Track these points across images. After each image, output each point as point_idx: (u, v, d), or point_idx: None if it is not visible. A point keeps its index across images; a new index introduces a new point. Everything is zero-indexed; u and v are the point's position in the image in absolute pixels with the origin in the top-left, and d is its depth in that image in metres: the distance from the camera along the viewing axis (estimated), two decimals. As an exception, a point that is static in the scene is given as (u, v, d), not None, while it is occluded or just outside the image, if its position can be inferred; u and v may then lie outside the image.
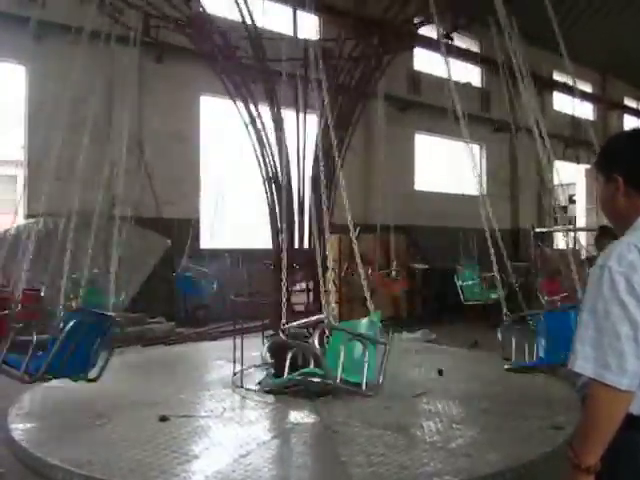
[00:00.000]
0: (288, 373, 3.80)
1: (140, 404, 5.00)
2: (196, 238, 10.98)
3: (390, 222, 10.67)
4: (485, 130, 15.55)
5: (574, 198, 21.25)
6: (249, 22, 5.70)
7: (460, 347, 8.05)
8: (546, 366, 4.67)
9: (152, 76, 10.81)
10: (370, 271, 10.51)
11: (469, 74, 16.10)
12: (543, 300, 7.40)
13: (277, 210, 5.90)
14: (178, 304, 10.35)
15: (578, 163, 17.71)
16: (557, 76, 17.74)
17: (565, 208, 21.24)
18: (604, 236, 5.44)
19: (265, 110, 5.96)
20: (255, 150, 5.98)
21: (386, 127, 13.48)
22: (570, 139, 16.76)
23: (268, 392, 5.15)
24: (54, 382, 5.69)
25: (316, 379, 3.70)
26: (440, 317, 10.98)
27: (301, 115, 6.10)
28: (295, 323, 3.95)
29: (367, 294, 4.23)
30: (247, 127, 5.95)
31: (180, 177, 10.91)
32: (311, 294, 5.95)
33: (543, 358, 4.68)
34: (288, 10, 11.54)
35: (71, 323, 4.01)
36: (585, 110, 19.63)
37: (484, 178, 16.98)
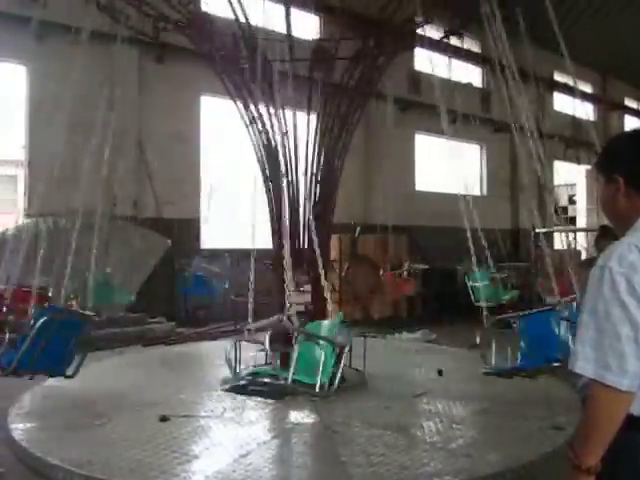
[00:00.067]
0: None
1: (140, 404, 5.00)
2: (196, 238, 11.00)
3: (390, 222, 10.68)
4: (485, 130, 15.55)
5: (574, 198, 21.24)
6: (243, 21, 5.70)
7: (460, 347, 8.05)
8: (524, 370, 4.62)
9: (152, 76, 10.81)
10: (381, 271, 10.53)
11: (470, 74, 16.11)
12: (544, 300, 7.41)
13: (276, 210, 5.90)
14: (178, 304, 10.35)
15: (579, 164, 17.71)
16: (558, 76, 17.74)
17: (565, 208, 21.26)
18: (604, 237, 5.43)
19: (266, 110, 5.96)
20: (255, 150, 5.98)
21: (386, 127, 13.51)
22: (571, 139, 16.77)
23: (228, 391, 5.11)
24: (54, 382, 5.72)
25: (266, 379, 3.72)
26: (440, 317, 10.97)
27: (301, 115, 6.11)
28: (255, 324, 3.96)
29: (327, 294, 4.22)
30: (247, 127, 5.95)
31: (180, 177, 10.92)
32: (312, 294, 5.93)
33: (521, 362, 4.65)
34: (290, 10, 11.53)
35: (40, 321, 4.08)
36: (586, 110, 19.62)
37: (484, 178, 17.01)
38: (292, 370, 3.56)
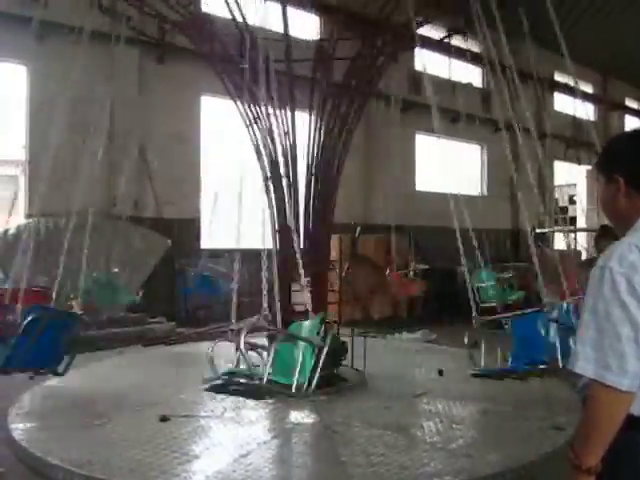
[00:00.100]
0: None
1: (140, 404, 4.99)
2: (196, 238, 11.01)
3: (391, 222, 10.68)
4: (486, 130, 15.55)
5: (575, 199, 21.24)
6: (243, 21, 5.70)
7: (460, 347, 8.04)
8: (512, 372, 4.58)
9: (153, 76, 10.82)
10: (388, 271, 10.51)
11: (470, 74, 16.10)
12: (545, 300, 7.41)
13: (277, 210, 5.90)
14: (178, 304, 10.36)
15: (579, 164, 17.72)
16: (558, 76, 17.75)
17: (566, 209, 21.26)
18: (604, 237, 5.42)
19: (266, 110, 5.96)
20: (255, 150, 5.98)
21: (386, 127, 13.52)
22: (571, 140, 16.77)
23: (207, 390, 5.10)
24: (54, 382, 5.73)
25: (242, 379, 3.73)
26: (440, 317, 10.98)
27: (301, 115, 6.11)
28: (236, 325, 3.97)
29: (306, 296, 4.22)
30: (248, 127, 5.95)
31: (180, 177, 10.93)
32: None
33: (511, 364, 4.62)
34: (291, 11, 11.54)
35: (27, 320, 4.13)
36: (586, 111, 19.62)
37: (484, 178, 17.01)
38: (268, 370, 3.58)
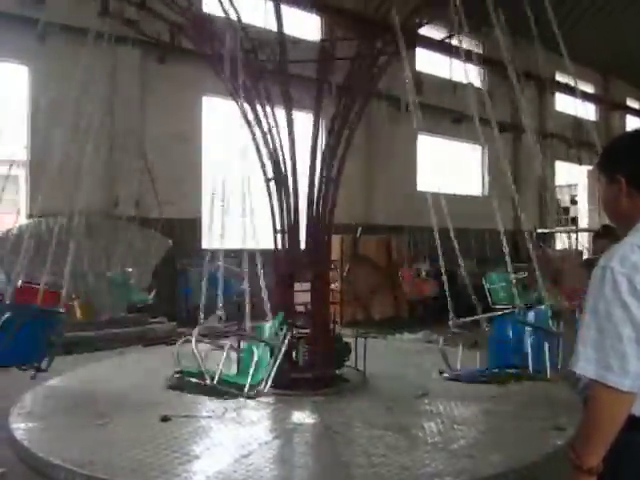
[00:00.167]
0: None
1: (141, 404, 5.00)
2: (197, 238, 11.00)
3: (392, 222, 10.67)
4: (487, 131, 15.54)
5: (576, 199, 21.23)
6: (246, 22, 5.71)
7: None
8: (484, 376, 4.51)
9: (154, 76, 10.83)
10: (400, 272, 10.42)
11: (471, 74, 16.09)
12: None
13: (278, 210, 5.90)
14: (179, 304, 10.36)
15: (580, 164, 17.69)
16: (559, 77, 17.73)
17: (567, 209, 21.25)
18: (602, 236, 5.38)
19: (267, 111, 5.96)
20: (257, 150, 5.98)
21: (388, 128, 13.52)
22: (572, 140, 16.75)
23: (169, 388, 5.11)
24: (55, 381, 5.73)
25: (193, 379, 3.75)
26: (441, 318, 10.95)
27: (302, 115, 6.11)
28: (202, 326, 3.99)
29: (265, 296, 4.23)
30: (249, 128, 5.95)
31: (182, 177, 10.93)
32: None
33: (481, 368, 4.54)
34: (293, 11, 11.53)
35: (2, 318, 4.32)
36: (587, 111, 19.60)
37: (486, 179, 17.00)
38: (219, 370, 3.62)
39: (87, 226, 7.19)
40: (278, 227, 5.92)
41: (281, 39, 5.80)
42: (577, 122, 16.98)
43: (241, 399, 5.21)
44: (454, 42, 6.02)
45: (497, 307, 7.09)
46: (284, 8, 6.12)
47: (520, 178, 16.82)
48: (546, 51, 5.88)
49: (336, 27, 6.45)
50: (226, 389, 3.73)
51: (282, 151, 5.85)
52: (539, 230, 12.24)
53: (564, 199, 21.41)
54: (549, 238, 14.08)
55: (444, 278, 5.09)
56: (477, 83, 17.57)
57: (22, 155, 9.80)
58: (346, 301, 10.64)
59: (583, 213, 20.44)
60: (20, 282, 5.36)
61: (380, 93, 11.52)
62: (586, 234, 16.63)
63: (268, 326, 4.25)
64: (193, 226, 10.88)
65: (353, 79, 6.00)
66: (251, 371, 3.73)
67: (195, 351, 3.61)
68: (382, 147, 13.55)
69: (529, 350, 4.10)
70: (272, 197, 5.93)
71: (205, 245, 11.13)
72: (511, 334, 4.48)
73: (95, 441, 4.12)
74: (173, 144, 10.82)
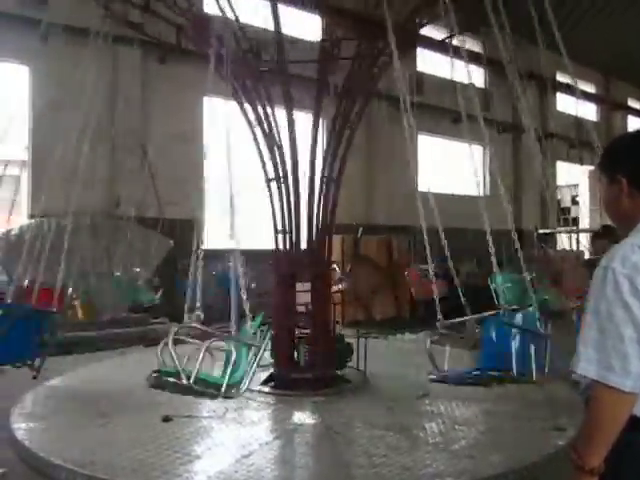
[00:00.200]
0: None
1: (143, 404, 5.00)
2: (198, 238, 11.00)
3: (393, 223, 10.67)
4: (488, 131, 15.54)
5: (577, 199, 21.22)
6: (233, 18, 5.72)
7: (462, 348, 8.01)
8: (470, 378, 4.46)
9: (156, 77, 10.84)
10: (406, 272, 10.37)
11: (472, 74, 16.09)
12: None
13: (279, 211, 5.91)
14: (181, 304, 10.35)
15: (581, 164, 17.68)
16: (560, 77, 17.73)
17: (568, 209, 21.23)
18: (601, 236, 5.35)
19: (268, 111, 5.96)
20: (258, 150, 5.98)
21: (388, 128, 13.51)
22: (573, 140, 16.74)
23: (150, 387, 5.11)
24: (56, 381, 5.74)
25: (170, 378, 3.75)
26: (443, 318, 10.93)
27: (303, 115, 6.11)
28: (180, 325, 4.00)
29: (244, 296, 4.23)
30: (251, 128, 5.95)
31: (183, 177, 10.93)
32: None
33: (468, 370, 4.49)
34: (295, 12, 11.54)
35: None
36: (589, 111, 19.60)
37: (487, 179, 16.99)
38: (196, 370, 3.63)
39: (89, 226, 7.20)
40: (279, 227, 5.93)
41: (279, 39, 5.80)
42: (578, 122, 17.00)
43: (241, 399, 5.23)
44: (455, 42, 5.99)
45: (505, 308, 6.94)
46: (285, 8, 6.12)
47: (521, 178, 16.86)
48: (547, 51, 5.88)
49: (336, 27, 6.44)
50: (202, 389, 3.74)
51: (282, 151, 5.85)
52: (540, 230, 12.24)
53: (565, 199, 21.41)
54: (550, 238, 14.06)
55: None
56: (478, 83, 17.58)
57: (23, 155, 9.81)
58: (347, 301, 10.63)
59: (584, 213, 20.43)
60: (27, 282, 5.38)
61: (380, 93, 11.51)
62: (587, 234, 16.63)
63: (248, 326, 4.25)
64: (194, 226, 10.88)
65: (353, 79, 6.00)
66: (228, 371, 3.75)
67: (172, 350, 3.62)
68: (382, 147, 13.54)
69: (513, 352, 4.05)
70: (273, 197, 5.93)
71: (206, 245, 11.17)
72: (498, 336, 4.43)
73: (96, 441, 4.12)
74: (174, 144, 10.82)
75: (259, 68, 5.89)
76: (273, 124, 5.85)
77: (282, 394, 5.36)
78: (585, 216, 20.31)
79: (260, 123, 5.83)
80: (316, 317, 5.69)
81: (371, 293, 11.22)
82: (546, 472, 3.79)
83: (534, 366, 4.08)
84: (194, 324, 3.94)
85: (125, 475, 3.57)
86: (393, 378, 6.03)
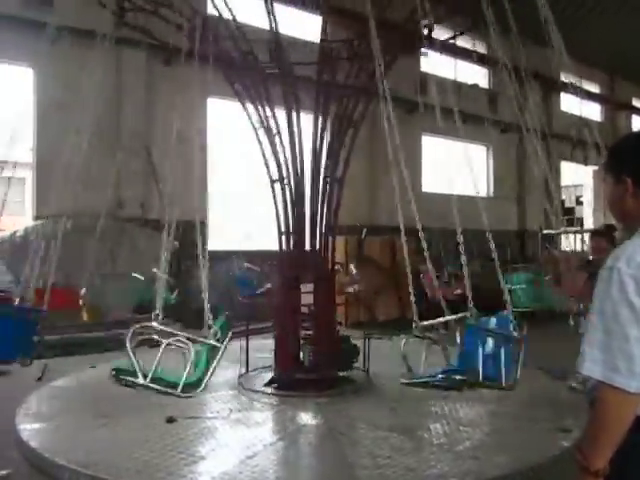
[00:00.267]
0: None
1: (147, 405, 5.00)
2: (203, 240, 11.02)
3: (396, 223, 10.63)
4: (492, 131, 15.51)
5: (581, 199, 21.16)
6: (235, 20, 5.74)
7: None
8: (436, 381, 4.39)
9: (160, 78, 10.86)
10: (421, 274, 10.30)
11: (476, 75, 16.08)
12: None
13: (283, 212, 5.91)
14: (185, 305, 10.37)
15: (586, 164, 17.64)
16: (565, 77, 17.69)
17: (572, 210, 21.16)
18: (599, 235, 5.29)
19: (272, 112, 5.97)
20: (261, 152, 5.99)
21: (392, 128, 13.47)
22: (578, 140, 16.71)
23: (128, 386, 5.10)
24: (61, 382, 5.75)
25: (128, 377, 3.78)
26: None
27: (307, 116, 6.11)
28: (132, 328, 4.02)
29: (205, 297, 4.25)
30: (255, 129, 5.96)
31: (187, 179, 10.95)
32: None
33: (433, 373, 4.43)
34: (297, 13, 11.56)
35: None
36: (593, 111, 19.56)
37: (491, 179, 16.97)
38: (154, 369, 3.66)
39: (93, 227, 7.21)
40: (282, 229, 5.93)
41: (276, 39, 5.81)
42: (583, 122, 16.96)
43: (245, 400, 5.24)
44: (459, 43, 5.98)
45: (518, 310, 6.68)
46: (294, 11, 6.12)
47: (525, 178, 16.82)
48: (552, 51, 5.87)
49: (337, 27, 6.44)
50: (158, 387, 3.77)
51: (286, 153, 5.86)
52: (545, 231, 12.19)
53: (570, 199, 21.35)
54: (555, 239, 14.03)
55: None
56: (483, 83, 17.52)
57: (28, 157, 9.86)
58: (350, 302, 10.63)
59: (589, 213, 20.38)
60: (40, 283, 5.41)
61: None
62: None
63: (215, 327, 4.27)
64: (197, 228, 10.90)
65: (357, 80, 6.00)
66: (186, 371, 3.77)
67: (129, 350, 3.65)
68: (386, 148, 13.52)
69: (480, 355, 4.00)
70: (277, 198, 5.94)
71: (210, 247, 11.19)
72: (470, 339, 4.37)
73: (100, 442, 4.13)
74: (178, 146, 10.83)
75: (263, 69, 5.89)
76: (277, 125, 5.86)
77: (286, 395, 5.36)
78: (589, 216, 20.25)
79: (263, 124, 5.84)
80: (319, 318, 5.68)
81: (374, 294, 11.21)
82: (551, 473, 3.78)
83: (503, 370, 3.99)
84: (153, 324, 3.97)
85: (129, 476, 3.57)
86: (397, 379, 6.02)
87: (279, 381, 5.62)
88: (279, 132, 5.82)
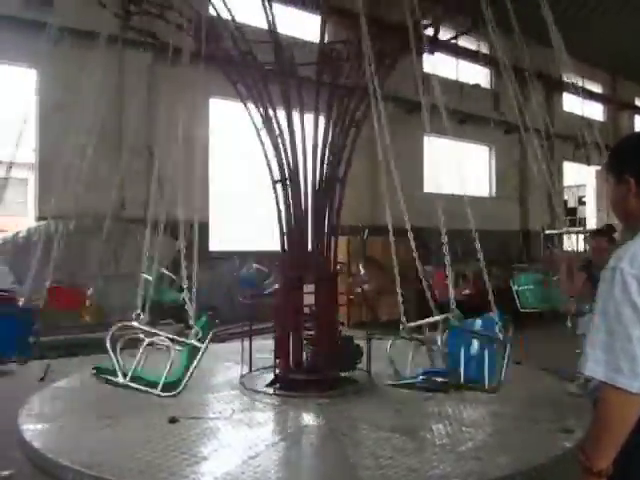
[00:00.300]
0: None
1: (149, 405, 5.00)
2: (204, 241, 11.04)
3: (399, 224, 10.62)
4: (494, 132, 15.49)
5: (584, 200, 21.12)
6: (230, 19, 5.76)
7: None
8: (418, 384, 4.37)
9: (162, 78, 10.87)
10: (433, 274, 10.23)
11: (478, 75, 16.07)
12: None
13: (285, 212, 5.91)
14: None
15: (588, 164, 17.60)
16: (567, 77, 17.66)
17: (575, 210, 21.12)
18: (598, 234, 5.26)
19: (274, 113, 5.97)
20: (264, 152, 5.99)
21: (394, 128, 13.47)
22: (580, 140, 16.67)
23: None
24: (63, 383, 5.76)
25: (108, 376, 3.79)
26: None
27: (309, 117, 6.11)
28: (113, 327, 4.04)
29: (187, 298, 4.25)
30: (258, 130, 5.96)
31: (189, 179, 10.96)
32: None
33: (414, 375, 4.40)
34: (300, 14, 11.56)
35: None
36: (595, 111, 19.52)
37: (493, 180, 16.95)
38: (133, 368, 3.68)
39: (96, 228, 7.21)
40: (285, 229, 5.93)
41: (275, 38, 5.82)
42: (585, 122, 16.92)
43: (247, 400, 5.24)
44: (461, 43, 5.98)
45: (526, 311, 6.66)
46: (292, 11, 6.13)
47: (528, 179, 16.79)
48: (554, 51, 5.86)
49: (339, 27, 6.44)
50: (137, 387, 3.79)
51: (287, 153, 5.86)
52: (547, 231, 12.16)
53: (572, 200, 21.32)
54: (558, 239, 13.99)
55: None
56: (485, 83, 17.49)
57: (30, 158, 9.88)
58: (356, 302, 10.63)
59: (591, 214, 20.34)
60: (48, 283, 5.41)
61: (386, 94, 11.49)
62: (593, 235, 16.54)
63: (197, 327, 4.27)
64: (200, 228, 10.91)
65: (359, 80, 5.99)
66: (165, 371, 3.78)
67: (109, 349, 3.68)
68: (388, 147, 13.51)
69: (462, 360, 3.96)
70: (279, 199, 5.94)
71: (212, 247, 11.20)
72: (452, 340, 4.30)
73: (103, 442, 4.14)
74: (180, 146, 10.85)
75: (262, 67, 5.90)
76: (278, 125, 5.86)
77: (288, 395, 5.36)
78: (592, 216, 20.21)
79: (266, 124, 5.84)
80: (321, 319, 5.68)
81: (377, 294, 11.20)
82: (554, 474, 3.77)
83: (486, 372, 3.95)
84: (134, 323, 3.97)
85: (132, 476, 3.58)
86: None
87: (281, 381, 5.62)
88: (282, 133, 5.82)
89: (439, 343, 3.91)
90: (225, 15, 5.89)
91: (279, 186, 5.92)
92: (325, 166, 5.92)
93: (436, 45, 6.10)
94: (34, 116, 9.84)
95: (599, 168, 17.99)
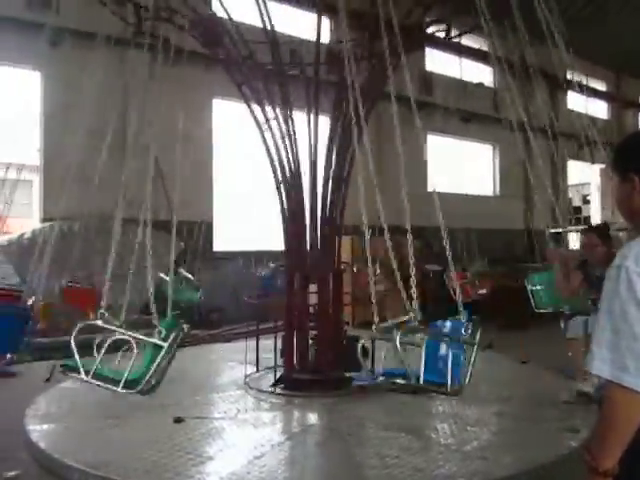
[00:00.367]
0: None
1: (155, 406, 5.01)
2: (208, 241, 11.05)
3: (403, 223, 10.60)
4: (498, 130, 15.45)
5: (588, 198, 21.04)
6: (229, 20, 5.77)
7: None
8: (382, 383, 4.31)
9: (165, 79, 10.89)
10: (446, 275, 10.12)
11: (481, 74, 16.02)
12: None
13: (289, 212, 5.91)
14: (192, 306, 10.41)
15: (592, 163, 17.53)
16: (571, 75, 17.59)
17: (579, 208, 21.05)
18: (590, 231, 5.18)
19: (276, 113, 5.97)
20: (267, 153, 6.00)
21: (395, 128, 13.45)
22: (584, 138, 16.62)
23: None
24: (69, 383, 5.77)
25: (73, 373, 3.81)
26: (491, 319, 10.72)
27: (311, 116, 6.11)
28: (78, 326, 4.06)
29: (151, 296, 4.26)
30: (261, 130, 5.96)
31: (192, 180, 10.98)
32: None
33: (382, 374, 4.34)
34: (302, 13, 11.56)
35: None
36: (600, 109, 19.46)
37: (497, 178, 16.91)
38: (96, 365, 3.71)
39: (101, 228, 7.25)
40: (289, 229, 5.93)
41: (273, 38, 5.83)
42: (589, 120, 16.86)
43: (252, 400, 5.25)
44: (464, 42, 5.97)
45: (540, 311, 6.44)
46: (299, 12, 6.13)
47: (532, 177, 16.72)
48: (558, 50, 5.84)
49: (344, 27, 6.41)
50: (98, 383, 3.83)
51: (292, 152, 5.86)
52: (552, 230, 12.11)
53: (576, 198, 21.24)
54: (562, 238, 13.95)
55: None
56: (488, 82, 17.42)
57: (35, 159, 9.91)
58: (363, 302, 10.59)
59: (596, 212, 20.27)
60: (64, 283, 5.43)
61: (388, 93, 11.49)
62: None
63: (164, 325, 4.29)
64: (204, 228, 10.93)
65: (361, 80, 5.98)
66: (128, 368, 3.82)
67: (73, 346, 3.71)
68: (391, 148, 13.52)
69: (423, 361, 3.92)
70: (283, 199, 5.94)
71: (216, 247, 11.22)
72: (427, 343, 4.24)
73: (109, 442, 4.16)
74: (183, 147, 10.86)
75: (265, 69, 5.91)
76: (286, 125, 5.86)
77: (293, 395, 5.37)
78: (597, 215, 20.14)
79: (269, 125, 5.85)
80: (325, 318, 5.68)
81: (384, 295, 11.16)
82: (559, 473, 3.76)
83: (449, 374, 3.92)
84: (97, 322, 4.00)
85: (138, 476, 3.59)
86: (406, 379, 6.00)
87: (286, 381, 5.63)
88: (289, 133, 5.82)
89: (397, 343, 3.88)
90: (225, 15, 5.89)
91: (283, 186, 5.93)
92: (328, 166, 5.92)
93: (448, 45, 6.08)
94: (38, 118, 9.88)
95: (603, 166, 17.92)
